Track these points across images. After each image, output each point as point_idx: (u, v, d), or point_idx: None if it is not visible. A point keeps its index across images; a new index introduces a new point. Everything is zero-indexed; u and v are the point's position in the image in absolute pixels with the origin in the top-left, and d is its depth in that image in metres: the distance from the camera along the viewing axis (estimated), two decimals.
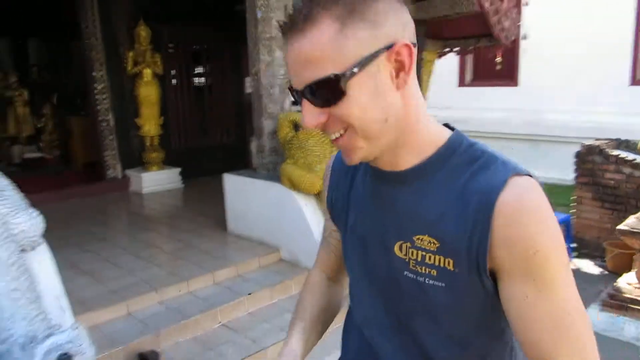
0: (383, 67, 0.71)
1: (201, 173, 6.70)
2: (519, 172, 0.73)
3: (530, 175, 0.74)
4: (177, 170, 6.63)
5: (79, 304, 2.99)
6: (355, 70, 0.69)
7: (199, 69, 7.56)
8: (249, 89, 6.17)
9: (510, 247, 0.71)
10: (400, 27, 0.73)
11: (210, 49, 7.45)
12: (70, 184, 6.53)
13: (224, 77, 7.54)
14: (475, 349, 0.84)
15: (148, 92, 6.21)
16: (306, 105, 0.74)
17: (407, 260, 0.82)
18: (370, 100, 0.72)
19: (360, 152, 0.77)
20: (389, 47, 0.71)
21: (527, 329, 0.73)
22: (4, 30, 8.47)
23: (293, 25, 0.71)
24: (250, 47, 4.14)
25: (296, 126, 4.00)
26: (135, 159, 6.61)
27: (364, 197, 0.90)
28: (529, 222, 0.70)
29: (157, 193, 6.29)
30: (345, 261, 0.98)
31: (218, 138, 7.64)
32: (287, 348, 0.97)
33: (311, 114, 0.74)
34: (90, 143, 6.99)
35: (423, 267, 0.80)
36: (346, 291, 1.07)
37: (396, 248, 0.83)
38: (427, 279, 0.80)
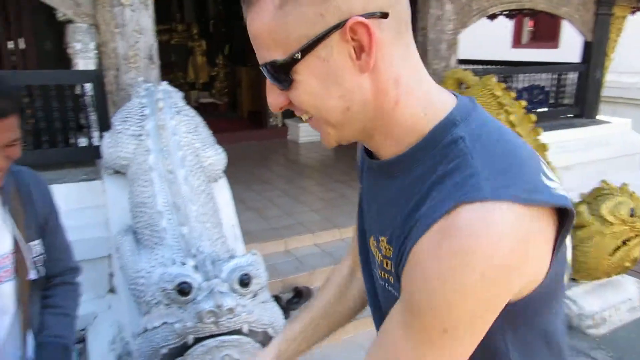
0: (338, 48, 0.59)
1: None
2: (471, 199, 0.54)
3: (506, 199, 0.54)
4: None
5: (245, 235, 3.31)
6: (298, 56, 0.59)
7: None
8: None
9: (407, 282, 0.60)
10: None
11: None
12: (237, 129, 7.18)
13: None
14: None
15: None
16: (267, 84, 0.67)
17: (377, 258, 0.72)
18: (324, 87, 0.61)
19: (331, 137, 0.68)
20: (341, 25, 0.58)
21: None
22: None
23: None
24: (419, 1, 4.01)
25: (461, 84, 3.84)
26: None
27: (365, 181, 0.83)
28: (432, 274, 0.56)
29: (312, 143, 6.60)
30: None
31: None
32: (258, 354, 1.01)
33: (272, 95, 0.67)
34: (255, 92, 7.53)
35: (383, 272, 0.71)
36: None
37: (371, 242, 0.75)
38: (386, 284, 0.70)
